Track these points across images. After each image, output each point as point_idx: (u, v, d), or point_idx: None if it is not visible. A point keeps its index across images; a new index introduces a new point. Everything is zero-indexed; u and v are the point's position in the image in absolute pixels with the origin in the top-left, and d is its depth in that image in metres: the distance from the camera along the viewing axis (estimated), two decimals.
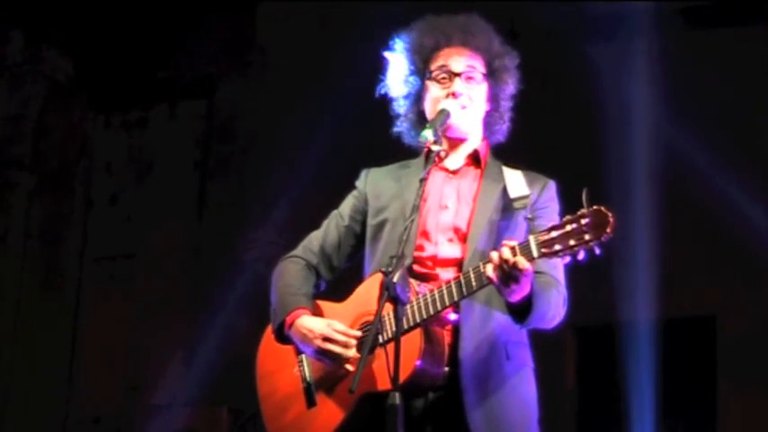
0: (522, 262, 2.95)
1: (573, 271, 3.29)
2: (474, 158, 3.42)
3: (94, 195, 8.14)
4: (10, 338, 7.83)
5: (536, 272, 3.15)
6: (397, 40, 3.52)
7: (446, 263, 3.27)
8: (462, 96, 3.36)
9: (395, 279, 2.96)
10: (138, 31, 7.89)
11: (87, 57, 8.12)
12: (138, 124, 8.14)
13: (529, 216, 3.18)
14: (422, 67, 3.45)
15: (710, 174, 6.17)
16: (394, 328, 3.04)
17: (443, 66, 3.41)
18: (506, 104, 3.48)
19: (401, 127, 3.51)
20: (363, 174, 3.56)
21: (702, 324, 6.42)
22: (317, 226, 3.62)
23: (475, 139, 3.45)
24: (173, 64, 8.01)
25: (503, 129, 3.49)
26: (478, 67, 3.41)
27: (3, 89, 8.13)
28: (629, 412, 6.17)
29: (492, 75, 3.43)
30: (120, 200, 8.05)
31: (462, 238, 3.28)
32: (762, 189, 6.20)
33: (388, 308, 3.06)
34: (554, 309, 3.20)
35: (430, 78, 3.42)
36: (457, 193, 3.36)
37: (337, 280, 3.56)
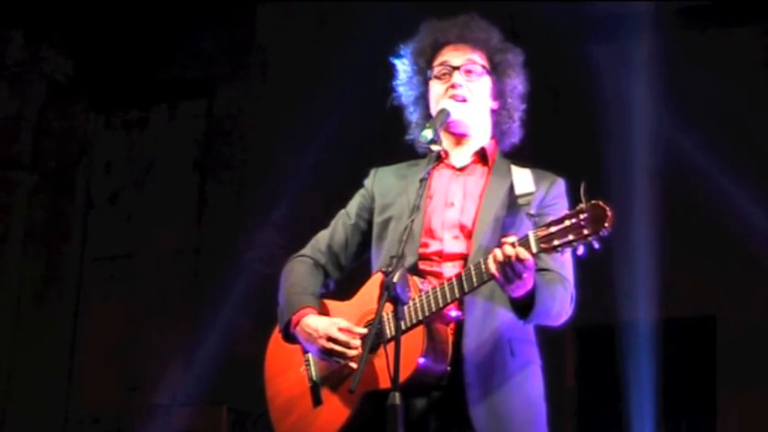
0: (523, 252, 2.95)
1: (573, 270, 3.30)
2: (481, 156, 3.43)
3: (94, 195, 8.14)
4: (10, 338, 7.83)
5: (543, 269, 3.17)
6: (400, 47, 3.54)
7: (451, 258, 3.28)
8: (462, 88, 3.37)
9: (395, 279, 2.96)
10: (138, 31, 7.89)
11: (87, 57, 8.12)
12: (138, 124, 8.14)
13: (532, 212, 3.18)
14: (424, 68, 3.48)
15: (710, 174, 6.18)
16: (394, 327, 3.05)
17: (443, 62, 3.43)
18: (513, 102, 3.47)
19: (413, 134, 3.52)
20: (372, 173, 3.58)
21: (702, 324, 6.42)
22: (316, 226, 3.63)
23: (481, 137, 3.46)
24: (173, 64, 8.01)
25: (513, 128, 3.49)
26: (478, 60, 3.42)
27: (3, 89, 8.13)
28: (629, 412, 6.18)
29: (494, 69, 3.44)
30: (120, 200, 8.05)
31: (468, 234, 3.29)
32: (762, 189, 6.20)
33: (391, 307, 3.07)
34: (559, 305, 3.20)
35: (432, 78, 3.44)
36: (463, 190, 3.37)
37: (347, 278, 3.57)
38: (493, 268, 3.00)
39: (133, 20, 7.82)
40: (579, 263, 3.16)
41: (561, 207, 3.26)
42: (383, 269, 3.07)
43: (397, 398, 2.89)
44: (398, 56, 3.54)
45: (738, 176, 6.18)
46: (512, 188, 3.29)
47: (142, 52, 7.95)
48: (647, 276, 6.18)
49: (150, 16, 7.78)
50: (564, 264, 3.24)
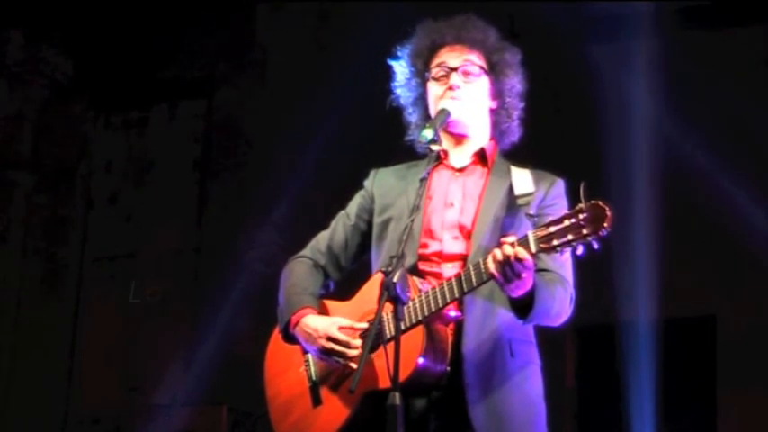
0: (522, 252, 2.95)
1: (573, 271, 3.30)
2: (481, 157, 3.43)
3: (94, 195, 8.14)
4: (10, 338, 7.83)
5: (543, 270, 3.18)
6: (398, 49, 3.54)
7: (451, 258, 3.28)
8: (460, 89, 3.37)
9: (395, 279, 2.96)
10: (138, 31, 7.89)
11: (87, 57, 8.12)
12: (138, 124, 8.14)
13: (531, 213, 3.18)
14: (422, 69, 3.48)
15: (710, 174, 6.18)
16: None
17: (441, 63, 3.43)
18: (512, 101, 3.48)
19: (412, 135, 3.52)
20: (371, 174, 3.58)
21: (702, 324, 6.42)
22: (317, 226, 3.63)
23: (480, 137, 3.46)
24: (173, 64, 8.01)
25: (512, 127, 3.49)
26: (475, 60, 3.42)
27: (3, 89, 8.13)
28: (629, 412, 6.17)
29: (492, 69, 3.44)
30: (120, 200, 8.05)
31: (467, 235, 3.29)
32: (762, 189, 6.20)
33: (390, 307, 3.07)
34: (558, 305, 3.21)
35: (430, 79, 3.44)
36: (463, 190, 3.37)
37: (346, 278, 3.57)
38: (492, 268, 3.01)
39: (133, 20, 7.82)
40: (579, 263, 3.16)
41: (561, 207, 3.26)
42: (383, 269, 3.08)
43: (397, 398, 2.89)
44: (396, 58, 3.54)
45: (738, 176, 6.18)
46: (511, 189, 3.29)
47: (142, 52, 7.95)
48: (647, 276, 6.17)
49: (150, 16, 7.78)
50: (563, 264, 3.24)
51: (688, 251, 6.36)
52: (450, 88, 3.37)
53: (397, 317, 2.99)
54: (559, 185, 3.37)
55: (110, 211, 8.05)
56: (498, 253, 2.98)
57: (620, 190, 6.12)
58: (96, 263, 7.99)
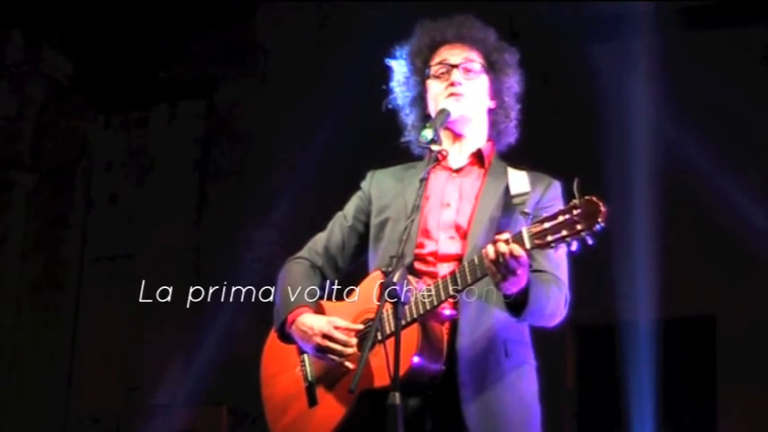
0: (517, 249, 2.95)
1: (573, 270, 3.30)
2: (478, 158, 3.43)
3: (94, 195, 8.14)
4: (10, 338, 7.83)
5: (539, 270, 3.18)
6: (396, 48, 3.54)
7: (446, 258, 3.29)
8: (461, 86, 3.37)
9: (395, 279, 2.96)
10: (139, 31, 7.89)
11: (87, 57, 8.12)
12: (138, 124, 8.14)
13: (526, 211, 3.18)
14: (421, 68, 3.48)
15: (710, 173, 6.17)
16: (392, 326, 3.05)
17: (441, 61, 3.44)
18: (510, 101, 3.49)
19: (409, 136, 3.52)
20: (369, 175, 3.59)
21: (702, 324, 6.42)
22: (316, 226, 3.63)
23: (478, 137, 3.46)
24: (173, 64, 8.01)
25: (509, 128, 3.50)
26: (476, 58, 3.43)
27: (3, 89, 8.13)
28: (629, 412, 6.17)
29: (492, 68, 3.45)
30: (120, 200, 8.05)
31: (463, 235, 3.30)
32: (762, 189, 6.20)
33: (388, 307, 3.07)
34: (553, 305, 3.21)
35: (430, 77, 3.44)
36: (459, 191, 3.38)
37: (342, 279, 3.58)
38: (487, 264, 3.00)
39: (133, 20, 7.82)
40: (580, 262, 3.16)
41: (557, 209, 3.26)
42: (383, 269, 3.08)
43: (397, 398, 2.88)
44: (394, 57, 3.54)
45: (738, 176, 6.18)
46: (507, 189, 3.30)
47: (142, 52, 7.95)
48: (647, 276, 6.17)
49: (150, 16, 7.78)
50: (559, 265, 3.25)
51: (688, 251, 6.36)
52: (452, 84, 3.37)
53: (398, 317, 2.99)
54: (556, 187, 3.37)
55: (110, 211, 8.05)
56: (491, 250, 2.98)
57: (620, 190, 6.11)
58: (96, 263, 7.99)
